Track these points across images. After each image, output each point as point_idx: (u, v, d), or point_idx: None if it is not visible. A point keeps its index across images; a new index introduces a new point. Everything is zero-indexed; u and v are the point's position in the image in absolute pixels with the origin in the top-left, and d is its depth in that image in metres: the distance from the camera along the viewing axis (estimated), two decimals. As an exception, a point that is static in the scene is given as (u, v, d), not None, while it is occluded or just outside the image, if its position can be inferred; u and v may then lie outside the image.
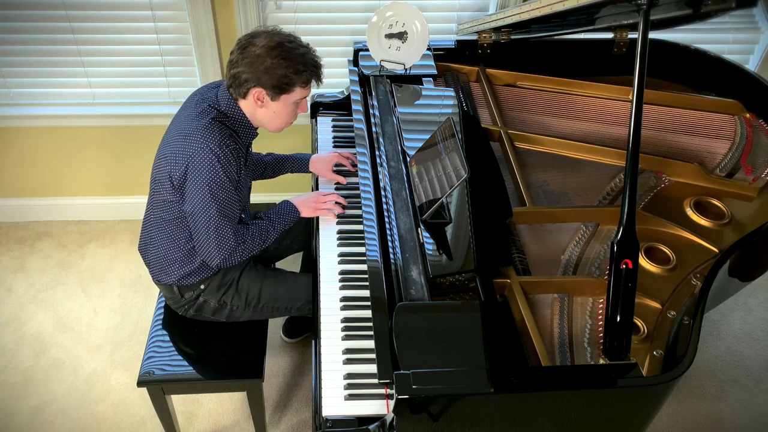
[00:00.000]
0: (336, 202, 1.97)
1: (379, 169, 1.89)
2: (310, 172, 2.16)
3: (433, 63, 2.24)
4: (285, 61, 1.67)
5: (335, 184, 2.10)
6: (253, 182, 2.17)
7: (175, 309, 1.98)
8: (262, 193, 2.97)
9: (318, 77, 1.78)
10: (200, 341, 1.97)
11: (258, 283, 1.97)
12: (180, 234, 1.85)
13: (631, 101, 1.47)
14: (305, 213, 1.96)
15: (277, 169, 2.19)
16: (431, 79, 2.18)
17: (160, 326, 2.00)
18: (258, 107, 1.76)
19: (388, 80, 2.16)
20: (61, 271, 2.81)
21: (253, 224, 1.89)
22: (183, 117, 1.79)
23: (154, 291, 2.68)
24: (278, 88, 1.71)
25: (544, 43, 2.33)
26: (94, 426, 2.26)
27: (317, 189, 2.11)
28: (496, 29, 2.28)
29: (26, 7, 2.41)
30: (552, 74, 2.26)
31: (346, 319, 1.68)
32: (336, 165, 2.13)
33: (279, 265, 2.25)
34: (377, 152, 1.95)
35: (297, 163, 2.17)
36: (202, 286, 1.92)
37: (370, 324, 1.58)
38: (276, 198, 2.94)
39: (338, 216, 1.96)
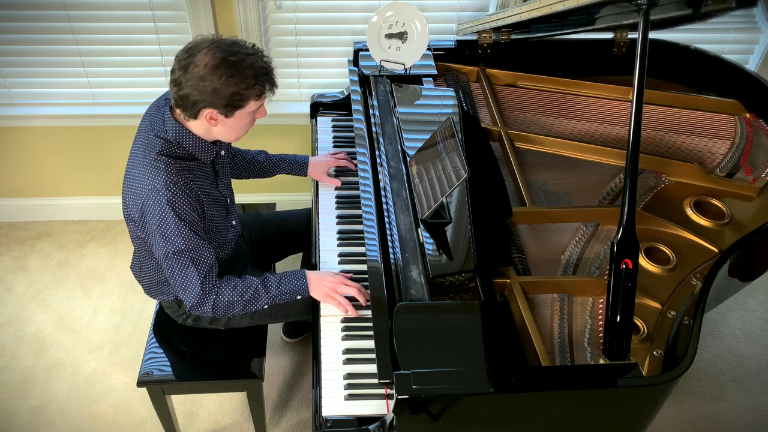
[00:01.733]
0: (356, 293, 1.71)
1: (379, 169, 1.88)
2: (307, 176, 2.14)
3: (433, 63, 2.24)
4: (233, 79, 1.53)
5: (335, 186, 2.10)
6: (250, 181, 2.16)
7: (174, 318, 1.97)
8: (262, 192, 2.97)
9: (272, 84, 1.62)
10: (200, 341, 1.97)
11: None
12: None
13: (631, 101, 1.48)
14: (315, 293, 1.74)
15: (273, 169, 2.15)
16: (431, 79, 2.18)
17: (160, 326, 2.00)
18: (212, 126, 1.63)
19: (388, 80, 2.16)
20: (61, 271, 2.81)
21: (245, 279, 1.74)
22: (136, 146, 1.70)
23: (154, 291, 2.68)
24: (231, 106, 1.58)
25: (544, 43, 2.33)
26: (94, 426, 2.26)
27: (317, 191, 2.09)
28: (496, 29, 2.27)
29: (26, 7, 2.41)
30: (552, 74, 2.26)
31: (346, 319, 1.68)
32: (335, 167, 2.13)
33: (279, 265, 2.25)
34: (377, 152, 1.95)
35: (294, 166, 2.14)
36: None
37: (370, 324, 1.58)
38: (274, 198, 2.95)
39: (338, 217, 1.96)
